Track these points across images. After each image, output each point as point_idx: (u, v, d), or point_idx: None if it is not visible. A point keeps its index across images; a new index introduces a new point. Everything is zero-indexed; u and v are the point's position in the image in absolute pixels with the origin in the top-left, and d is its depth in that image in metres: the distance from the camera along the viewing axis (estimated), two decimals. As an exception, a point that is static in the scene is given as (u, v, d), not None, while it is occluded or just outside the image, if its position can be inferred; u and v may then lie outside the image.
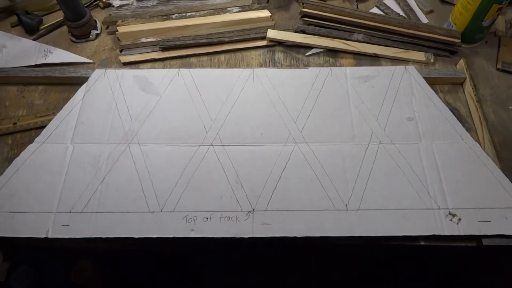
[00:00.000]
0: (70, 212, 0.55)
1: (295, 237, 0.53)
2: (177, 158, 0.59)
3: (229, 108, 0.64)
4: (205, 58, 0.74)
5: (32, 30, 0.78)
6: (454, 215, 0.54)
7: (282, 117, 0.63)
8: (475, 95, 0.66)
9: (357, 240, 0.54)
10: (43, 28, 0.78)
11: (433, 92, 0.66)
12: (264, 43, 0.74)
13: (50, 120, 0.64)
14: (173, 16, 0.77)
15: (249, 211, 0.55)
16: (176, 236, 0.53)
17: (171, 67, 0.72)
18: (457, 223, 0.54)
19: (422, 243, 0.54)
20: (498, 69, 0.72)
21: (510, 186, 0.56)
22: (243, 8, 0.78)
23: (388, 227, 0.54)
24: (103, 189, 0.57)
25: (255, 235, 0.53)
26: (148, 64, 0.73)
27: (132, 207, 0.55)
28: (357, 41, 0.74)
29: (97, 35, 0.77)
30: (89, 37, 0.76)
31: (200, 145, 0.61)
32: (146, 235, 0.53)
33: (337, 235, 0.53)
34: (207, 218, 0.54)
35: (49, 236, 0.53)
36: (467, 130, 0.64)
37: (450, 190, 0.56)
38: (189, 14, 0.77)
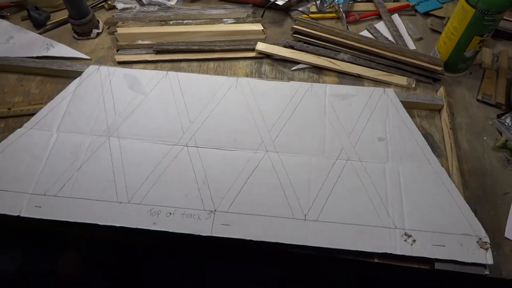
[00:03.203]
0: (44, 194, 0.58)
1: (251, 240, 0.55)
2: (151, 154, 0.62)
3: (208, 112, 0.67)
4: (195, 64, 0.77)
5: (39, 24, 0.83)
6: (409, 236, 0.55)
7: (257, 126, 0.66)
8: (449, 122, 0.67)
9: (313, 251, 0.55)
10: (50, 24, 0.84)
11: (407, 115, 0.67)
12: (253, 54, 0.77)
13: (42, 108, 0.68)
14: (171, 22, 0.82)
15: (211, 211, 0.57)
16: (139, 227, 0.55)
17: (162, 69, 0.76)
18: (411, 244, 0.55)
19: (376, 260, 0.55)
20: (478, 100, 0.73)
21: (470, 214, 0.57)
22: (238, 20, 0.82)
23: (343, 240, 0.55)
24: (78, 177, 0.60)
25: (213, 234, 0.55)
26: (141, 65, 0.77)
27: (102, 195, 0.58)
28: (342, 60, 0.76)
29: (98, 34, 0.82)
30: (90, 35, 0.81)
31: (175, 145, 0.64)
32: (110, 223, 0.56)
33: (291, 243, 0.55)
34: (170, 214, 0.57)
35: (22, 215, 0.56)
36: (438, 156, 0.65)
37: (409, 212, 0.57)
38: (185, 21, 0.82)
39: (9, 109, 0.70)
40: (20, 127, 0.66)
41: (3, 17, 0.85)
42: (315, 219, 0.56)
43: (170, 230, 0.55)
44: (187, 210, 0.57)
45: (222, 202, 0.58)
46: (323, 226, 0.56)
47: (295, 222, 0.56)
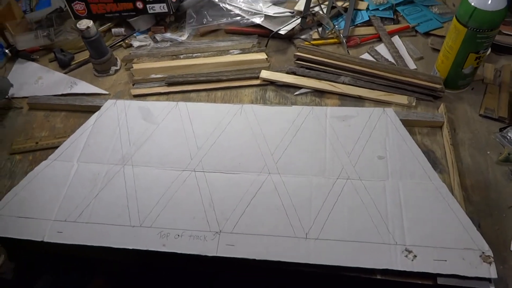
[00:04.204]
0: (65, 221, 0.63)
1: (254, 259, 0.57)
2: (162, 180, 0.67)
3: (214, 138, 0.72)
4: (203, 93, 0.83)
5: (64, 65, 0.91)
6: (410, 252, 0.56)
7: (260, 149, 0.69)
8: (450, 138, 0.68)
9: (315, 268, 0.57)
10: (74, 64, 0.92)
11: (407, 133, 0.69)
12: (257, 82, 0.82)
13: (65, 141, 0.75)
14: (181, 56, 0.88)
15: (217, 232, 0.60)
16: (149, 249, 0.59)
17: (173, 100, 0.81)
18: (412, 260, 0.55)
19: (379, 276, 0.56)
20: (480, 115, 0.73)
21: (472, 228, 0.57)
22: (243, 51, 0.87)
23: (344, 257, 0.56)
24: (95, 203, 0.65)
25: (218, 255, 0.58)
26: (154, 97, 0.83)
27: (117, 220, 0.63)
28: (343, 83, 0.79)
29: (116, 70, 0.89)
30: (109, 72, 0.88)
31: (183, 170, 0.68)
32: (124, 246, 0.60)
33: (293, 261, 0.57)
34: (178, 235, 0.60)
35: (45, 240, 0.61)
36: (440, 171, 0.66)
37: (409, 228, 0.58)
38: (195, 54, 0.88)
39: (37, 143, 0.77)
40: (46, 159, 0.72)
41: (33, 60, 0.94)
42: (316, 237, 0.58)
43: (178, 252, 0.59)
44: (194, 232, 0.60)
45: (226, 223, 0.61)
46: (324, 244, 0.58)
47: (296, 241, 0.58)
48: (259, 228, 0.60)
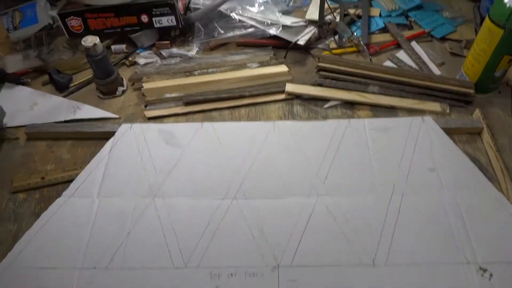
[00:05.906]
0: (94, 268, 0.55)
1: (322, 295, 0.52)
2: (201, 212, 0.60)
3: (251, 160, 0.66)
4: (226, 111, 0.76)
5: (62, 88, 0.82)
6: (485, 270, 0.53)
7: (304, 169, 0.64)
8: (494, 144, 0.67)
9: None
10: (73, 86, 0.83)
11: (452, 142, 0.67)
12: (282, 96, 0.77)
13: (77, 174, 0.66)
14: (196, 72, 0.81)
15: (274, 267, 0.54)
16: (202, 293, 0.52)
17: (194, 121, 0.75)
18: (489, 279, 0.52)
19: (455, 300, 0.53)
20: (514, 118, 0.73)
21: (540, 237, 0.55)
22: (262, 64, 0.82)
23: (419, 283, 0.52)
24: (128, 244, 0.57)
25: (281, 292, 0.52)
26: (172, 119, 0.76)
27: (157, 263, 0.55)
28: (373, 93, 0.76)
29: (123, 91, 0.81)
30: (115, 93, 0.80)
31: (223, 198, 0.61)
32: (171, 292, 0.53)
33: (367, 293, 0.52)
34: (232, 275, 0.54)
35: (74, 294, 0.53)
36: (489, 180, 0.64)
37: (478, 243, 0.55)
38: (210, 70, 0.81)
39: (43, 178, 0.68)
40: (57, 196, 0.63)
41: (24, 83, 0.84)
42: (385, 263, 0.54)
43: (236, 293, 0.52)
44: (249, 268, 0.54)
45: (283, 255, 0.55)
46: (394, 270, 0.53)
47: (364, 269, 0.53)
48: (321, 258, 0.55)
